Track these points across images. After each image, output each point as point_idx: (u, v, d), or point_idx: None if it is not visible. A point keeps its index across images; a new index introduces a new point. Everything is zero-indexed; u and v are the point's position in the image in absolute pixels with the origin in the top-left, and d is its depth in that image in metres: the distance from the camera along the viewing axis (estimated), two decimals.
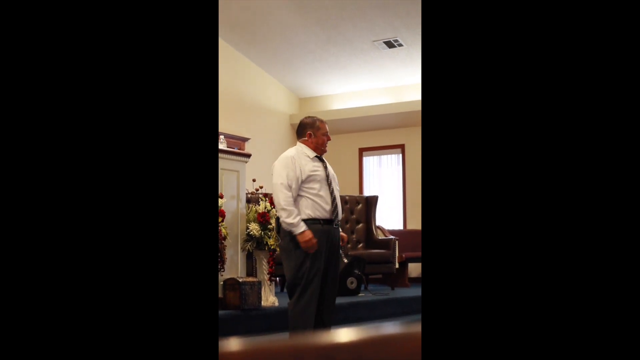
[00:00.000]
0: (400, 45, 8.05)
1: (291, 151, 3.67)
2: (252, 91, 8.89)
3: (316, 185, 3.56)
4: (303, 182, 3.54)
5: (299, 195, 3.54)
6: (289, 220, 3.47)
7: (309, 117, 3.81)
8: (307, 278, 3.49)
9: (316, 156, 3.66)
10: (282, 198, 3.48)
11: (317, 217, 3.55)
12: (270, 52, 8.53)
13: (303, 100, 9.83)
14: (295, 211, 3.49)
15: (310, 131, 3.68)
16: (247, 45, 8.34)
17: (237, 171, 4.79)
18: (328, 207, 3.58)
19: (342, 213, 3.65)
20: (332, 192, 3.61)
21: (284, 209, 3.48)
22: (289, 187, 3.50)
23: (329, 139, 3.71)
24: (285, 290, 6.67)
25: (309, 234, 3.47)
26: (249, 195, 5.11)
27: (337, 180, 3.74)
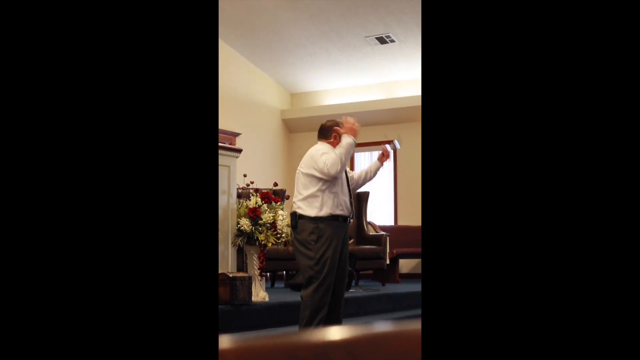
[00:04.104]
0: (392, 41, 8.05)
1: (324, 146, 3.78)
2: (243, 86, 8.88)
3: (339, 184, 3.71)
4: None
5: (321, 190, 3.65)
6: (345, 152, 3.64)
7: (330, 120, 3.93)
8: (327, 271, 3.61)
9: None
10: (331, 158, 3.61)
11: (337, 214, 3.67)
12: (262, 47, 8.51)
13: (294, 96, 9.82)
14: (334, 150, 3.67)
15: (336, 133, 3.81)
16: (238, 39, 8.32)
17: (228, 166, 4.78)
18: (347, 205, 3.73)
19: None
20: (350, 192, 3.80)
21: (338, 158, 3.61)
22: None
23: None
24: (279, 285, 6.66)
25: (348, 135, 3.69)
26: (239, 191, 5.10)
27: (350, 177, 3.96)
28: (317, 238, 3.62)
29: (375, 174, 4.05)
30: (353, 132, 3.72)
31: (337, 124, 3.85)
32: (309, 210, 3.65)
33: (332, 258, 3.63)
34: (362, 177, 4.04)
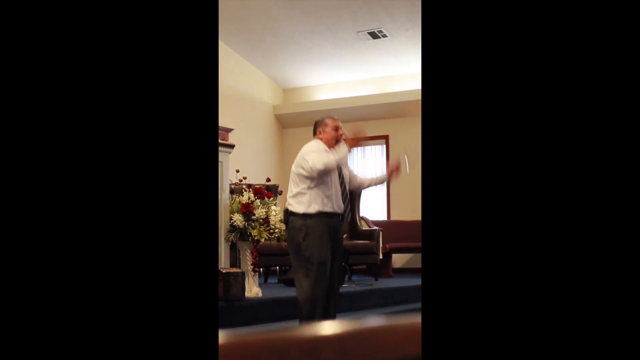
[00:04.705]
0: (384, 36, 8.05)
1: (313, 142, 3.84)
2: (236, 82, 8.85)
3: (329, 183, 3.74)
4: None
5: (309, 188, 3.70)
6: (333, 159, 3.66)
7: (323, 116, 3.98)
8: (318, 267, 3.65)
9: (328, 151, 3.80)
10: (318, 161, 3.64)
11: (325, 211, 3.71)
12: (254, 42, 8.49)
13: (287, 91, 9.81)
14: (330, 155, 3.67)
15: (320, 128, 3.87)
16: (230, 35, 8.30)
17: (221, 162, 4.77)
18: (338, 202, 3.76)
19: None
20: (343, 191, 3.83)
21: (325, 162, 3.64)
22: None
23: (339, 134, 3.84)
24: (272, 280, 6.65)
25: (350, 141, 3.73)
26: (232, 186, 5.10)
27: (350, 177, 3.97)
28: (305, 235, 3.69)
29: (378, 184, 4.19)
30: (355, 142, 3.80)
31: (322, 120, 3.89)
32: (298, 207, 3.73)
33: (321, 254, 3.67)
34: (366, 183, 4.13)
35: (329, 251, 3.71)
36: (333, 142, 3.82)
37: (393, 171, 3.98)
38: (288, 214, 3.78)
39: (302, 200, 3.73)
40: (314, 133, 3.91)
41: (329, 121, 3.87)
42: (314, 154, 3.71)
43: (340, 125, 3.86)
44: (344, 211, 3.83)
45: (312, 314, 3.69)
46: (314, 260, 3.66)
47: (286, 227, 3.85)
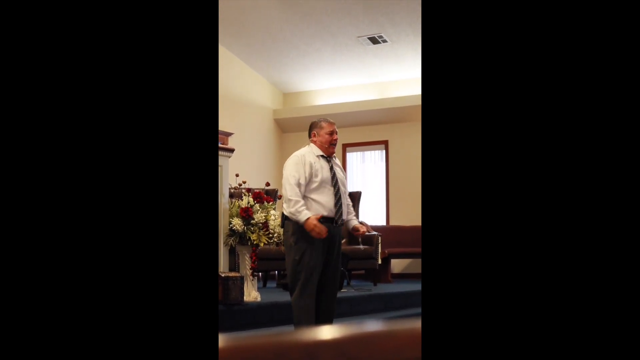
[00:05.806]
0: (384, 41, 8.06)
1: (303, 150, 3.86)
2: (236, 86, 8.86)
3: (321, 188, 3.74)
4: (310, 179, 3.73)
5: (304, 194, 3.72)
6: (291, 209, 3.65)
7: (318, 119, 3.99)
8: (306, 273, 3.66)
9: (322, 156, 3.82)
10: (289, 190, 3.67)
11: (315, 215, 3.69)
12: (254, 46, 8.50)
13: (287, 96, 9.82)
14: (301, 202, 3.66)
15: (314, 131, 3.88)
16: (231, 39, 8.31)
17: (221, 166, 4.77)
18: (329, 206, 3.73)
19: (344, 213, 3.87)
20: (336, 193, 3.77)
21: (289, 199, 3.67)
22: (298, 183, 3.69)
23: (334, 139, 3.85)
24: (271, 285, 6.66)
25: (312, 221, 3.60)
26: (232, 190, 5.10)
27: (345, 181, 3.93)
28: (297, 239, 3.71)
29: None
30: (308, 227, 3.62)
31: (317, 123, 3.90)
32: None
33: (312, 259, 3.68)
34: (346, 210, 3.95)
35: (320, 256, 3.71)
36: (326, 146, 3.82)
37: (359, 231, 3.86)
38: (284, 218, 3.81)
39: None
40: (309, 135, 3.91)
41: (324, 124, 3.87)
42: (296, 171, 3.70)
43: (335, 130, 3.86)
44: (335, 214, 3.77)
45: (299, 319, 3.71)
46: (303, 263, 3.68)
47: (283, 230, 3.89)
